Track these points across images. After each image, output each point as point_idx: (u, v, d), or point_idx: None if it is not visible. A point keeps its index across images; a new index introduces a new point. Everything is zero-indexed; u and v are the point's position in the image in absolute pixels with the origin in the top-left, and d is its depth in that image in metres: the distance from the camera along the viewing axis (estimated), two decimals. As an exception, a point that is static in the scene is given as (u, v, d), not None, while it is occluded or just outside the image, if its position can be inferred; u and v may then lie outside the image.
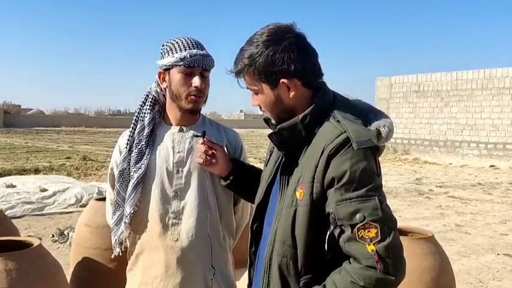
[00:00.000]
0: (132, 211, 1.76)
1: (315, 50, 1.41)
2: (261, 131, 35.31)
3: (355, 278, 1.21)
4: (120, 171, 1.81)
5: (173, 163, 1.79)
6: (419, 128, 18.88)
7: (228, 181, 1.74)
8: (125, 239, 1.82)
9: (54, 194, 7.79)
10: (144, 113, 1.81)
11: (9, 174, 10.24)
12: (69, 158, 14.53)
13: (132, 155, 1.79)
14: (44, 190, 7.95)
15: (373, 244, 1.19)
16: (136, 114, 1.84)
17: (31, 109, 44.14)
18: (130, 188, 1.77)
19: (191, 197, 1.77)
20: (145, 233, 1.79)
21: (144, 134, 1.79)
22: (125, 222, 1.79)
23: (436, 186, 11.05)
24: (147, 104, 1.82)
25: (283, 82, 1.36)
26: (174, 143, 1.80)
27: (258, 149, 19.95)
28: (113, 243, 1.83)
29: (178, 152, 1.79)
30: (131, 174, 1.78)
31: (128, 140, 1.82)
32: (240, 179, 1.73)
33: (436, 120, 18.36)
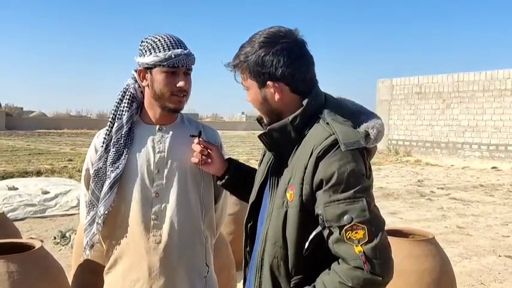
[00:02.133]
0: (106, 212, 1.71)
1: (312, 59, 1.42)
2: (263, 133, 35.08)
3: (343, 278, 1.23)
4: (95, 170, 1.75)
5: (154, 163, 1.75)
6: (421, 130, 18.86)
7: (224, 180, 1.73)
8: (99, 240, 1.76)
9: (56, 196, 7.80)
10: (122, 111, 1.76)
11: (11, 177, 10.25)
12: (71, 160, 14.54)
13: (109, 154, 1.74)
14: (46, 192, 7.96)
15: (361, 245, 1.21)
16: (113, 111, 1.77)
17: (33, 111, 44.11)
18: (106, 187, 1.71)
19: (173, 198, 1.74)
20: (125, 235, 1.74)
21: (123, 133, 1.74)
22: (97, 223, 1.72)
23: (438, 188, 11.02)
24: (124, 101, 1.77)
25: (269, 84, 1.39)
26: (154, 143, 1.76)
27: (260, 151, 19.92)
28: (84, 244, 1.77)
29: (159, 152, 1.75)
30: (107, 173, 1.72)
31: (105, 138, 1.76)
32: (236, 179, 1.74)
33: (437, 121, 18.34)
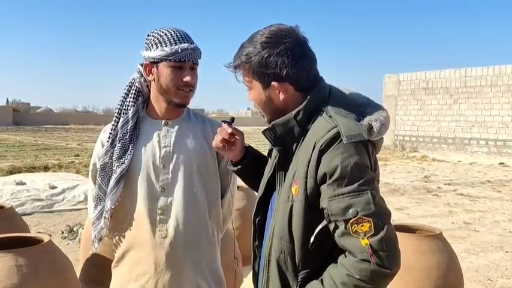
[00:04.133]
0: (112, 206, 1.72)
1: (314, 55, 1.41)
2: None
3: (350, 271, 1.23)
4: (101, 165, 1.75)
5: (159, 158, 1.74)
6: (428, 125, 18.76)
7: (239, 167, 1.67)
8: (106, 234, 1.78)
9: (63, 191, 7.86)
10: (128, 105, 1.75)
11: (19, 172, 10.32)
12: (77, 155, 14.62)
13: (115, 149, 1.74)
14: (54, 187, 8.02)
15: (367, 238, 1.21)
16: (118, 106, 1.76)
17: (40, 107, 44.35)
18: (112, 182, 1.72)
19: (178, 193, 1.74)
20: (132, 229, 1.75)
21: (128, 128, 1.74)
22: (104, 217, 1.74)
23: (445, 184, 10.98)
24: (130, 95, 1.76)
25: (273, 85, 1.38)
26: (160, 137, 1.76)
27: (266, 147, 19.92)
28: (92, 237, 1.78)
29: (165, 147, 1.75)
30: (114, 168, 1.73)
31: (110, 133, 1.76)
32: (250, 167, 1.69)
33: (444, 117, 18.23)
